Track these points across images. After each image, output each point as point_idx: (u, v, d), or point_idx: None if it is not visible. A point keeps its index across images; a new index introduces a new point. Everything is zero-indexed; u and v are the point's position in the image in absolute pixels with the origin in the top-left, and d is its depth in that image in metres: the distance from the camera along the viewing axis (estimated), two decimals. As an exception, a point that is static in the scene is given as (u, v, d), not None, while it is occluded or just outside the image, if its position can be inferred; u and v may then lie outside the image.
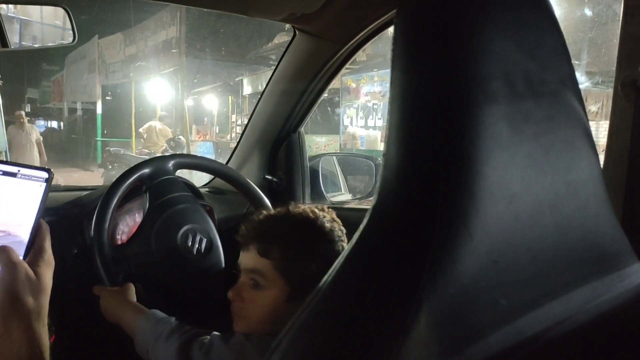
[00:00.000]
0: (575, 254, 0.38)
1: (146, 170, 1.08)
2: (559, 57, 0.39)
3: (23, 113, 7.76)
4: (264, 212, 0.84)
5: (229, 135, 13.18)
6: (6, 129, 6.56)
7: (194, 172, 1.28)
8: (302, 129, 1.46)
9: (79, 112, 14.12)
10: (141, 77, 12.56)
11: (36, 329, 0.50)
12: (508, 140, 0.34)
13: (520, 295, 0.35)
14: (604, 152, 0.79)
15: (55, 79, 14.61)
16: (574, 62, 0.41)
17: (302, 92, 1.34)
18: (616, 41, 0.76)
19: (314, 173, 1.51)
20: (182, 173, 1.18)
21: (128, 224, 1.12)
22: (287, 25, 1.29)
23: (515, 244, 0.35)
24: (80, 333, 1.05)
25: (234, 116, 13.60)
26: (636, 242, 0.42)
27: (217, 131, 14.25)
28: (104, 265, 0.97)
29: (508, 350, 0.34)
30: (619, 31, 0.76)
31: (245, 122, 1.59)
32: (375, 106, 8.27)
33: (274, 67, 1.39)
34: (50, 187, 0.54)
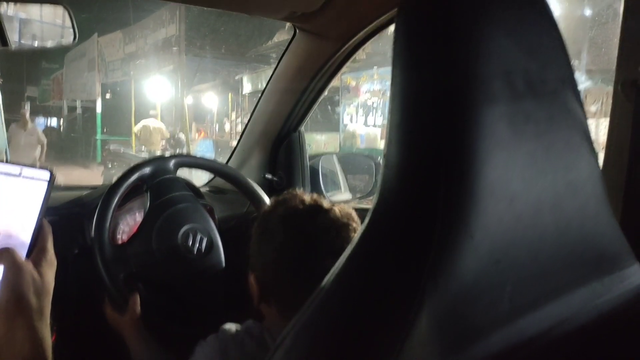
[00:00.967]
0: (575, 254, 0.39)
1: (147, 170, 1.08)
2: (559, 57, 0.39)
3: (27, 112, 7.75)
4: None
5: (229, 132, 13.17)
6: (6, 128, 6.54)
7: (194, 171, 1.29)
8: (302, 128, 1.46)
9: (79, 111, 14.11)
10: (141, 75, 12.55)
11: (39, 329, 0.50)
12: (509, 140, 0.34)
13: (520, 295, 0.36)
14: (603, 150, 0.79)
15: (54, 77, 14.59)
16: (574, 61, 0.42)
17: (303, 91, 1.34)
18: (616, 41, 0.76)
19: (314, 172, 1.50)
20: (182, 172, 1.18)
21: (129, 224, 1.12)
22: (288, 24, 1.29)
23: (515, 243, 0.35)
24: (81, 332, 1.06)
25: (233, 114, 13.59)
26: (635, 242, 0.43)
27: (217, 129, 14.25)
28: (104, 265, 0.97)
29: (509, 349, 0.34)
30: (618, 31, 0.76)
31: (245, 120, 1.59)
32: (374, 104, 8.27)
33: (273, 66, 1.39)
34: (52, 187, 0.54)
